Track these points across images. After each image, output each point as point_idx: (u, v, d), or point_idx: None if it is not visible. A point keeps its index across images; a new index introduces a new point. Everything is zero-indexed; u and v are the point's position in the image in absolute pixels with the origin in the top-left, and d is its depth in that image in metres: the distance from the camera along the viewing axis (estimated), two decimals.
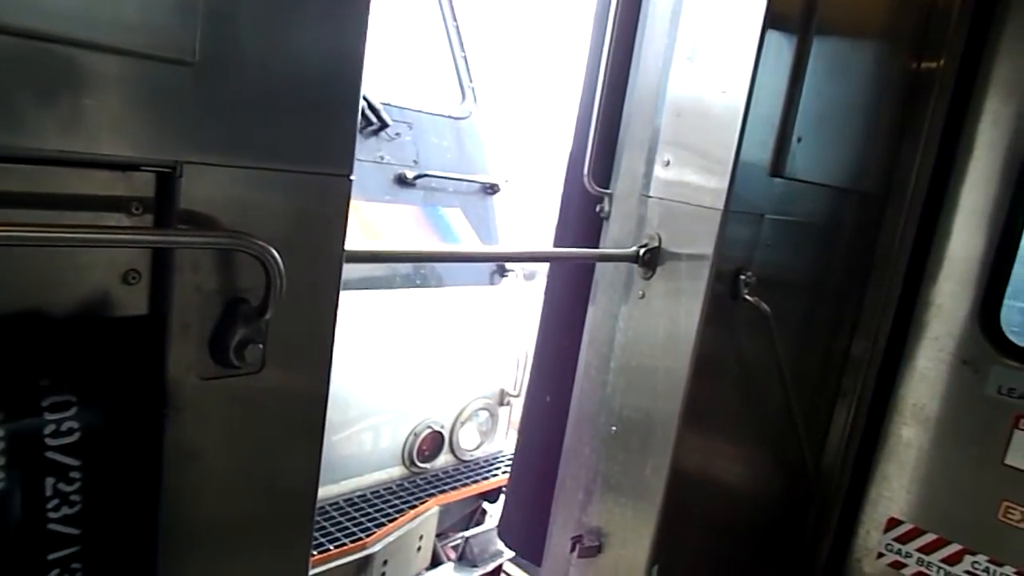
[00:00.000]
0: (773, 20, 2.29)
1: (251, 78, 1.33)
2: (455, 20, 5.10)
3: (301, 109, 1.41)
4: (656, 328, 2.59)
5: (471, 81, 5.10)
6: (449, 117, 4.86)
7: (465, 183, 4.81)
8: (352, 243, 1.58)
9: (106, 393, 1.24)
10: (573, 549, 2.81)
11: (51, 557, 1.20)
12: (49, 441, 1.17)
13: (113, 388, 1.25)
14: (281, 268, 1.33)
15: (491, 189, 5.01)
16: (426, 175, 4.52)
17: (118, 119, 1.21)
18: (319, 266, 1.53)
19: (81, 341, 1.23)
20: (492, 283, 4.92)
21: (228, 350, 1.38)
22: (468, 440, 4.83)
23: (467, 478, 4.67)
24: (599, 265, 2.82)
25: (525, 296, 5.02)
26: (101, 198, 1.23)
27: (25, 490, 1.16)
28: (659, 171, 2.57)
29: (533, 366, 3.24)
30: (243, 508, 1.52)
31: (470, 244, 4.68)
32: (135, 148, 1.23)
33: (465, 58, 5.09)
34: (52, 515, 1.19)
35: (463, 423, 4.74)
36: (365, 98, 4.15)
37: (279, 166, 1.40)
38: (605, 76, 2.60)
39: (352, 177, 1.52)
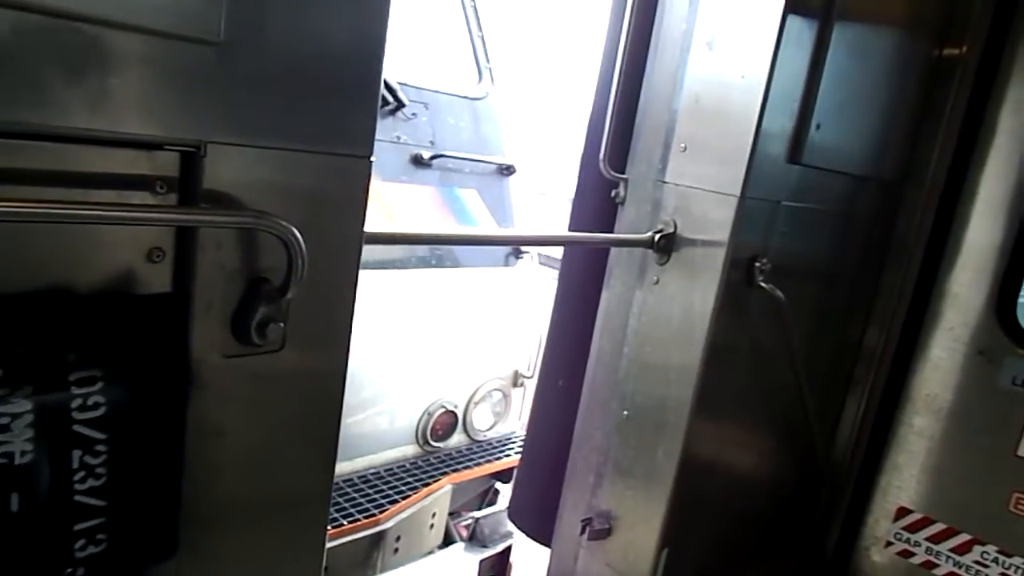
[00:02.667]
0: (794, 5, 2.27)
1: (274, 59, 1.34)
2: (473, 0, 5.08)
3: (323, 91, 1.43)
4: (670, 314, 2.59)
5: (488, 61, 5.08)
6: (466, 98, 4.85)
7: (481, 164, 4.81)
8: (369, 223, 1.59)
9: (131, 369, 1.27)
10: (583, 531, 2.83)
11: (77, 528, 1.24)
12: (76, 415, 1.20)
13: (138, 364, 1.28)
14: (303, 248, 1.35)
15: (507, 170, 5.00)
16: (442, 156, 4.53)
17: (143, 98, 1.22)
18: (339, 247, 1.54)
19: (107, 317, 1.26)
20: (507, 264, 4.94)
21: (250, 328, 1.40)
22: (481, 420, 4.87)
23: (480, 458, 4.73)
24: (613, 250, 2.82)
25: (540, 278, 5.03)
26: (126, 176, 1.25)
27: (53, 462, 1.19)
28: (676, 156, 2.56)
29: (546, 350, 3.26)
30: (263, 483, 1.56)
31: (486, 227, 4.70)
32: (160, 127, 1.25)
33: (483, 38, 5.08)
34: (79, 487, 1.22)
35: (477, 403, 4.78)
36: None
37: (301, 147, 1.42)
38: (622, 60, 2.59)
39: (372, 159, 1.54)
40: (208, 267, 1.35)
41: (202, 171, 1.30)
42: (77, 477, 1.22)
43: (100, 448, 1.23)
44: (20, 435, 1.14)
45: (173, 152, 1.29)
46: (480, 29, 5.06)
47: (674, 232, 2.56)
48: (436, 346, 4.46)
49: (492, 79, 5.06)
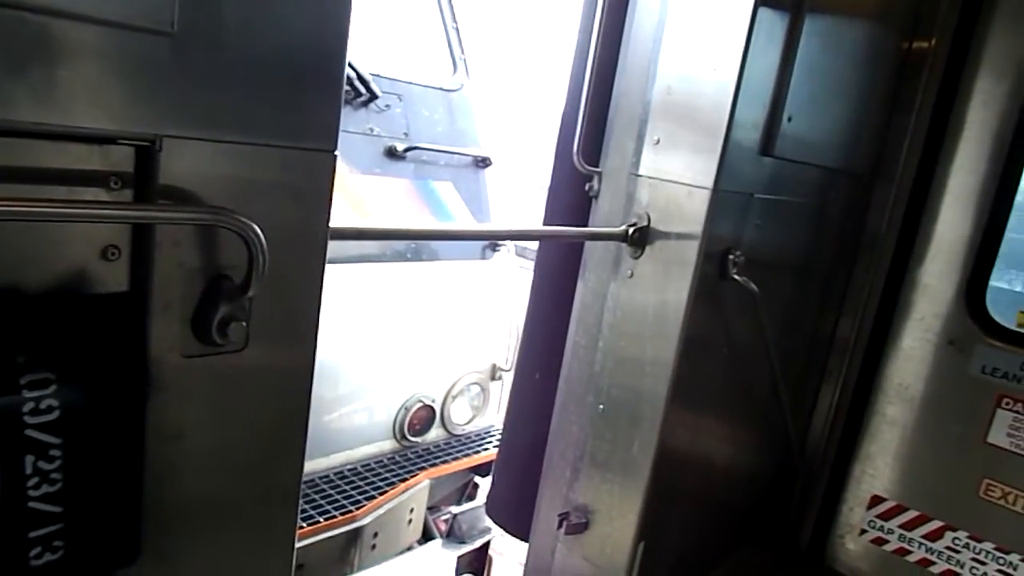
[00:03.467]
0: None
1: (232, 50, 1.30)
2: None
3: (284, 82, 1.39)
4: (644, 307, 2.59)
5: (463, 53, 5.04)
6: (440, 89, 4.81)
7: (456, 156, 4.78)
8: (341, 217, 1.57)
9: (86, 371, 1.23)
10: (560, 526, 2.83)
11: (33, 535, 1.20)
12: (28, 419, 1.16)
13: (93, 366, 1.24)
14: (264, 245, 1.31)
15: (482, 162, 4.98)
16: (417, 148, 4.49)
17: (94, 91, 1.18)
18: (303, 243, 1.51)
19: (59, 318, 1.22)
20: (484, 257, 4.92)
21: (211, 328, 1.37)
22: (459, 414, 4.86)
23: (458, 452, 4.72)
24: (588, 244, 2.81)
25: (516, 270, 5.02)
26: (78, 172, 1.21)
27: (4, 468, 1.15)
28: (649, 149, 2.55)
29: (522, 344, 3.25)
30: (228, 486, 1.53)
31: (458, 222, 4.67)
32: (113, 121, 1.21)
33: (457, 29, 5.04)
34: (33, 493, 1.18)
35: (454, 397, 4.77)
36: (354, 69, 4.10)
37: (261, 141, 1.38)
38: (595, 53, 2.57)
39: (336, 153, 1.50)
40: (166, 265, 1.31)
41: (158, 166, 1.26)
42: (31, 483, 1.19)
43: (54, 453, 1.20)
44: None
45: (127, 146, 1.25)
46: (455, 20, 5.02)
47: (648, 225, 2.55)
48: (413, 340, 4.43)
49: (467, 70, 5.03)
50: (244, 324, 1.40)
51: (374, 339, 4.22)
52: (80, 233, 1.23)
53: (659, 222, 2.54)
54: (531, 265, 3.21)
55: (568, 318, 2.90)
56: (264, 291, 1.38)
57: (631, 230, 2.57)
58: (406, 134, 4.50)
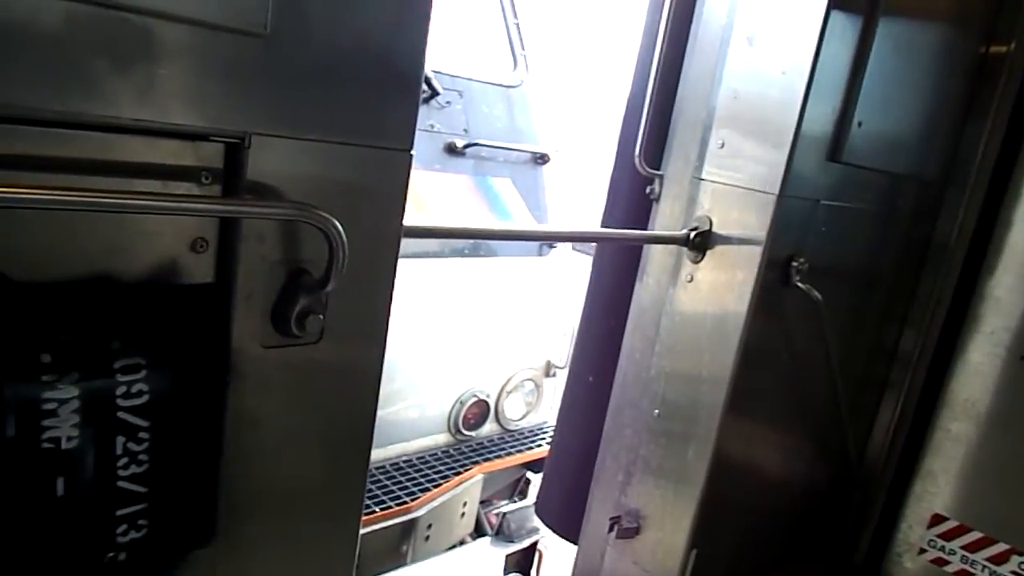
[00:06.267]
0: (838, 0, 2.23)
1: (319, 51, 1.35)
2: None
3: (365, 83, 1.43)
4: (704, 313, 2.57)
5: (523, 49, 5.05)
6: (500, 85, 4.83)
7: (515, 153, 4.80)
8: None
9: (174, 357, 1.29)
10: (611, 530, 2.83)
11: (120, 513, 1.26)
12: (120, 402, 1.21)
13: (180, 353, 1.30)
14: (344, 240, 1.36)
15: (541, 159, 4.98)
16: (476, 144, 4.52)
17: (190, 89, 1.24)
18: (378, 240, 1.55)
19: (151, 306, 1.28)
20: (540, 254, 4.93)
21: (289, 320, 1.42)
22: (513, 410, 4.89)
23: (512, 447, 4.75)
24: (647, 247, 2.80)
25: (573, 267, 5.02)
26: (172, 167, 1.27)
27: (97, 448, 1.21)
28: (713, 153, 2.53)
29: (576, 345, 3.24)
30: (299, 473, 1.58)
31: (519, 220, 4.68)
32: (205, 118, 1.26)
33: (518, 25, 5.04)
34: (122, 473, 1.24)
35: (509, 393, 4.79)
36: None
37: (343, 139, 1.43)
38: (660, 55, 2.56)
39: (412, 152, 1.54)
40: (250, 258, 1.36)
41: (246, 162, 1.31)
42: (120, 463, 1.24)
43: (143, 435, 1.26)
44: (67, 421, 1.16)
45: (218, 143, 1.30)
46: (516, 16, 5.03)
47: (709, 230, 2.54)
48: (469, 335, 4.47)
49: (527, 67, 5.04)
50: (321, 317, 1.44)
51: (432, 334, 4.27)
52: (172, 226, 1.29)
53: (721, 227, 2.52)
54: (587, 259, 3.20)
55: (624, 321, 2.89)
56: (340, 286, 1.42)
57: (692, 234, 2.55)
58: (466, 130, 4.53)
